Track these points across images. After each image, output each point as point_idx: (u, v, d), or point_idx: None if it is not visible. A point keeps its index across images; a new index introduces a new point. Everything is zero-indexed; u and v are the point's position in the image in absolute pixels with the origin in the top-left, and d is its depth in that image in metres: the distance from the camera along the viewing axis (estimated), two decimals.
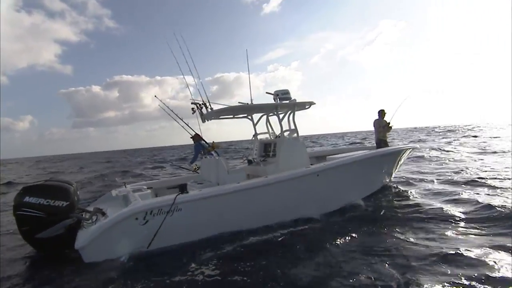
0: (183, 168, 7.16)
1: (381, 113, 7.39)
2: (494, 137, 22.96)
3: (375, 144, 7.72)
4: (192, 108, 5.50)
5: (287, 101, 5.51)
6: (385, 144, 7.29)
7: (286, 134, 5.66)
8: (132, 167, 20.75)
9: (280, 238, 4.27)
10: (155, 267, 3.62)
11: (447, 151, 15.01)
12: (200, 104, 5.32)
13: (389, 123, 7.23)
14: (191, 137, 6.46)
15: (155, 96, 5.24)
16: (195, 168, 6.48)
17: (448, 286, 2.82)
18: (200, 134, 5.58)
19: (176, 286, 3.16)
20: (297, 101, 5.59)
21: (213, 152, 5.57)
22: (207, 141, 5.18)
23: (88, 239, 3.65)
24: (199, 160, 6.60)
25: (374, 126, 7.46)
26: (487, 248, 3.53)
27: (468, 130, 42.39)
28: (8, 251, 4.49)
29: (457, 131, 42.07)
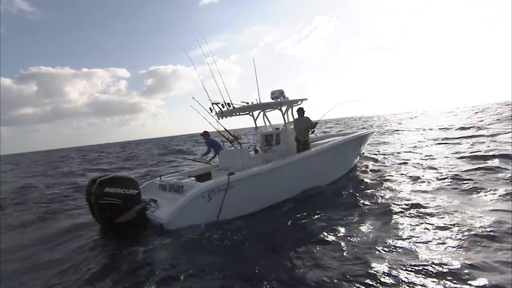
0: (197, 161, 7.95)
1: (300, 111, 6.78)
2: None
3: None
4: (210, 108, 6.39)
5: (288, 99, 6.86)
6: (305, 146, 6.67)
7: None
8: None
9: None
10: (223, 233, 4.54)
11: None
12: (222, 104, 6.28)
13: (316, 122, 6.75)
14: (200, 134, 7.32)
15: (193, 97, 5.88)
16: (208, 160, 7.37)
17: None
18: (226, 129, 6.13)
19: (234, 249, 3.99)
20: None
21: (228, 143, 6.51)
22: (231, 133, 6.14)
23: (170, 216, 4.45)
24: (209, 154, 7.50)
25: (293, 126, 6.93)
26: None
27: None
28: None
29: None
